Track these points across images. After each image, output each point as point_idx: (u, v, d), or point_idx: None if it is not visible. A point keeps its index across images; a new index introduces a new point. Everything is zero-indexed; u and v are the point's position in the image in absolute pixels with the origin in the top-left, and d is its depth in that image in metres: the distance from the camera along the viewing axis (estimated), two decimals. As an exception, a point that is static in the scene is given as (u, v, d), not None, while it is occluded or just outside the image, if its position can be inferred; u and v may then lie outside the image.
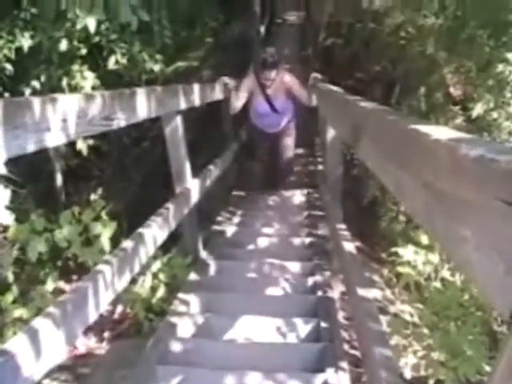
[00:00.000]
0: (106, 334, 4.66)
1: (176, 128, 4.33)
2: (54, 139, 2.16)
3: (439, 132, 1.27)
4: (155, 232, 3.38)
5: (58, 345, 2.09)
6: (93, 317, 2.43)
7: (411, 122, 1.52)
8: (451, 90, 8.83)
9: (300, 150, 7.97)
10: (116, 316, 4.74)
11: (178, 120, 4.34)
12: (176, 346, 3.63)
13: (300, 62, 12.20)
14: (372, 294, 2.53)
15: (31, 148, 1.97)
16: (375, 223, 7.26)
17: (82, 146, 6.40)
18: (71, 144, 7.57)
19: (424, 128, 1.36)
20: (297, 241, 5.74)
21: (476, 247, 0.96)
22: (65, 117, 2.21)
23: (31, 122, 1.96)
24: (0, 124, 1.76)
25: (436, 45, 7.43)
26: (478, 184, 0.96)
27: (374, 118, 2.18)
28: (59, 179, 8.12)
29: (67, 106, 2.25)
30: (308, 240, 5.73)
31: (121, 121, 2.92)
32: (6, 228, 3.91)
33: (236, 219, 6.69)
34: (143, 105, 3.31)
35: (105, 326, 4.70)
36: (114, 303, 4.73)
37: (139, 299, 4.39)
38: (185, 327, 3.94)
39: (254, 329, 3.90)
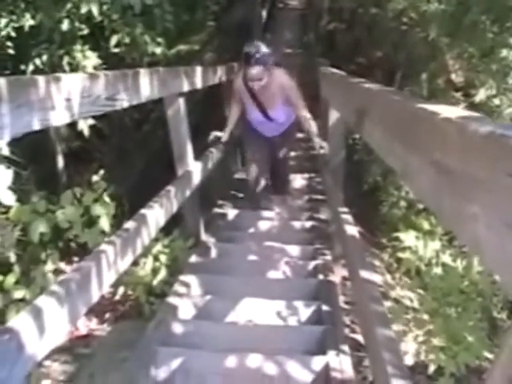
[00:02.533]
0: (108, 316, 4.67)
1: (178, 110, 4.34)
2: (59, 118, 2.16)
3: (447, 111, 1.27)
4: (157, 213, 3.39)
5: (61, 323, 2.10)
6: (96, 297, 2.44)
7: (418, 102, 1.52)
8: (453, 76, 8.82)
9: (300, 134, 7.57)
10: (117, 298, 4.74)
11: (181, 102, 4.35)
12: (177, 328, 3.64)
13: (302, 46, 12.19)
14: (374, 277, 2.52)
15: (36, 126, 1.97)
16: (376, 208, 7.26)
17: (83, 126, 6.36)
18: (72, 126, 7.58)
19: (432, 107, 1.36)
20: (297, 224, 5.74)
21: (486, 224, 0.96)
22: (69, 96, 2.21)
23: (36, 100, 1.97)
24: (5, 102, 1.76)
25: (438, 31, 7.39)
26: (488, 160, 0.96)
27: (379, 99, 2.19)
28: (60, 161, 8.10)
29: (71, 85, 2.25)
30: (309, 224, 5.73)
31: (124, 101, 2.93)
32: (7, 209, 3.90)
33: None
34: (146, 86, 3.32)
35: (106, 307, 4.71)
36: (116, 285, 4.73)
37: (141, 281, 4.40)
38: (186, 309, 3.96)
39: (255, 311, 3.92)
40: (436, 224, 5.07)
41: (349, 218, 3.39)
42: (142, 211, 3.25)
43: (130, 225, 3.02)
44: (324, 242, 5.14)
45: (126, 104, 2.96)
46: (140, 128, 9.80)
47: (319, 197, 6.54)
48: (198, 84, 4.94)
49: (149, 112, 9.67)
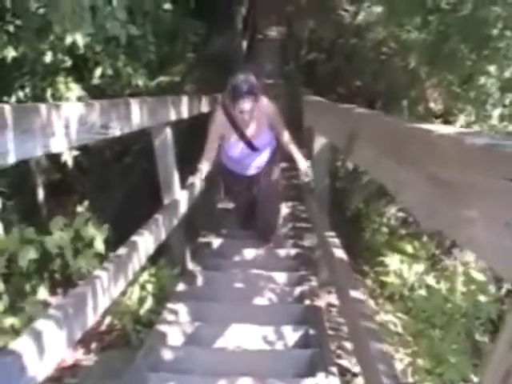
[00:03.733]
0: (94, 346, 4.67)
1: (165, 139, 4.39)
2: (58, 145, 2.21)
3: (441, 128, 1.36)
4: (147, 240, 3.42)
5: (59, 346, 2.13)
6: (91, 320, 2.47)
7: (411, 122, 1.61)
8: (432, 104, 8.98)
9: (284, 164, 7.59)
10: (103, 328, 4.74)
11: (168, 131, 4.41)
12: (167, 355, 3.68)
13: (283, 77, 12.30)
14: (363, 297, 2.58)
15: (38, 152, 2.02)
16: (358, 235, 7.33)
17: (67, 157, 6.38)
18: (52, 158, 7.60)
19: (426, 126, 1.45)
20: (282, 252, 5.78)
21: (484, 225, 1.04)
22: (67, 123, 2.27)
23: (38, 127, 2.02)
24: (10, 128, 1.81)
25: (419, 59, 7.55)
26: (485, 168, 1.04)
27: (370, 121, 2.28)
28: (41, 193, 8.12)
29: (70, 112, 2.31)
30: (293, 251, 5.79)
31: (116, 130, 2.98)
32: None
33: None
34: (137, 115, 3.39)
35: (92, 337, 4.70)
36: (102, 315, 4.74)
37: (127, 310, 4.41)
38: (175, 336, 4.00)
39: (243, 337, 3.96)
40: (419, 248, 5.15)
41: (336, 241, 3.44)
42: (133, 238, 3.29)
43: (121, 251, 3.06)
44: (309, 269, 5.20)
45: (118, 132, 3.02)
46: (121, 160, 9.82)
47: (303, 225, 6.61)
48: (185, 113, 4.99)
49: (129, 144, 9.72)
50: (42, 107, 2.09)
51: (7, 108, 1.82)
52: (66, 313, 2.21)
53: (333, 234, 3.68)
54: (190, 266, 5.25)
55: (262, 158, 5.38)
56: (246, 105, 4.63)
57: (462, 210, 1.15)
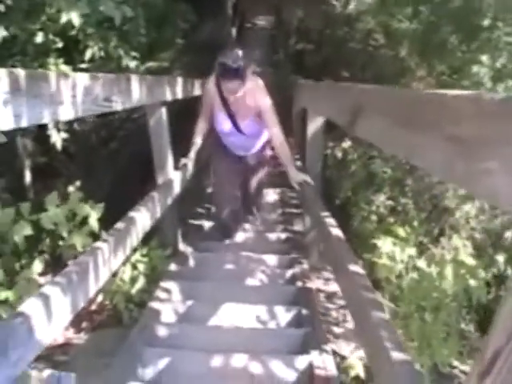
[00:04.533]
0: (84, 325, 4.67)
1: (160, 119, 4.40)
2: (65, 113, 2.23)
3: (453, 92, 1.39)
4: (144, 216, 3.45)
5: (64, 311, 2.16)
6: (93, 290, 2.50)
7: (422, 91, 1.65)
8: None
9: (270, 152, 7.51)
10: (94, 307, 4.75)
11: (163, 111, 4.42)
12: (161, 331, 3.71)
13: (272, 65, 12.31)
14: (362, 271, 2.61)
15: (47, 119, 2.04)
16: (347, 223, 7.35)
17: (56, 138, 6.33)
18: (38, 140, 7.59)
19: (438, 91, 1.48)
20: (273, 236, 5.82)
21: (503, 174, 1.08)
22: (74, 93, 2.29)
23: (47, 94, 2.04)
24: (23, 93, 1.83)
25: (409, 49, 7.59)
26: (503, 120, 1.07)
27: (379, 93, 2.31)
28: (28, 176, 8.10)
29: (76, 83, 2.32)
30: (284, 235, 5.82)
31: (118, 104, 3.00)
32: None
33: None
34: (137, 91, 3.41)
35: (82, 317, 4.71)
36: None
37: (119, 290, 4.42)
38: (168, 314, 4.03)
39: (236, 316, 3.99)
40: (410, 233, 5.18)
41: (332, 221, 3.46)
42: (131, 214, 3.31)
43: (119, 225, 3.09)
44: (300, 252, 5.22)
45: (119, 106, 3.04)
46: (107, 145, 9.81)
47: (293, 210, 6.65)
48: (179, 94, 5.00)
49: (115, 130, 9.72)
50: (52, 75, 2.11)
51: (21, 73, 1.84)
52: (70, 280, 2.23)
53: (328, 214, 3.69)
54: (182, 247, 5.26)
55: (250, 144, 5.27)
56: (231, 86, 4.46)
57: (480, 162, 1.18)
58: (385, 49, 8.98)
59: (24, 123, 1.85)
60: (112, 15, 4.94)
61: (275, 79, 10.31)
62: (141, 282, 4.50)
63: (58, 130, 6.19)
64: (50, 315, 2.00)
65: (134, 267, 4.60)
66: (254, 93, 4.76)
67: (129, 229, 3.13)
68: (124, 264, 4.49)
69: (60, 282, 2.18)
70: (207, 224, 6.21)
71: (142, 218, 3.40)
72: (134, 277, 4.54)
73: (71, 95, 2.25)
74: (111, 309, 4.66)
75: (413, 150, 1.67)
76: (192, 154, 5.06)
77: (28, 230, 3.72)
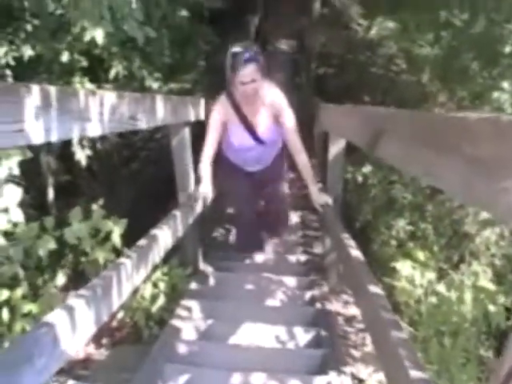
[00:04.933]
0: (105, 341, 4.71)
1: (183, 138, 4.49)
2: (93, 130, 2.29)
3: (474, 115, 1.43)
4: (166, 234, 3.49)
5: (88, 324, 2.20)
6: (116, 304, 2.54)
7: (443, 115, 1.70)
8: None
9: (292, 174, 7.63)
10: (114, 324, 4.79)
11: (186, 131, 4.49)
12: (182, 348, 3.74)
13: (294, 88, 12.37)
14: (381, 292, 2.62)
15: (76, 134, 2.10)
16: (367, 246, 7.35)
17: (81, 155, 6.42)
18: (62, 159, 7.69)
19: (462, 114, 1.52)
20: (293, 258, 5.84)
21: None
22: (102, 110, 2.35)
23: (77, 111, 2.10)
24: (54, 107, 1.88)
25: (431, 74, 7.62)
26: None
27: (401, 116, 2.36)
28: (51, 193, 8.19)
29: (103, 100, 2.38)
30: (304, 257, 5.84)
31: (143, 122, 3.06)
32: (14, 226, 3.93)
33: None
34: (161, 110, 3.47)
35: (103, 333, 4.75)
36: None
37: (140, 307, 4.46)
38: (189, 331, 4.06)
39: (255, 336, 4.00)
40: (430, 257, 5.19)
41: (352, 242, 3.48)
42: (153, 232, 3.35)
43: (142, 242, 3.13)
44: (319, 274, 5.24)
45: (144, 125, 3.10)
46: (128, 165, 9.90)
47: (312, 233, 6.67)
48: (202, 116, 5.07)
49: (138, 150, 9.81)
50: (81, 92, 2.17)
51: (52, 89, 1.90)
52: (94, 293, 2.27)
53: (348, 235, 3.71)
54: (202, 266, 5.30)
55: (267, 154, 5.00)
56: (247, 71, 4.15)
57: (499, 183, 1.21)
58: (406, 74, 9.03)
59: (54, 138, 1.90)
60: (135, 35, 5.01)
61: (297, 102, 10.37)
62: (161, 300, 4.54)
63: (83, 147, 6.27)
64: (75, 327, 2.04)
65: (155, 285, 4.64)
66: (270, 94, 4.60)
67: (151, 246, 3.18)
68: (145, 281, 4.54)
69: (84, 294, 2.22)
70: (228, 244, 6.25)
71: (164, 236, 3.44)
72: (154, 295, 4.58)
73: (98, 112, 2.31)
74: (132, 326, 4.70)
75: (433, 171, 1.71)
76: (206, 187, 4.48)
77: (52, 245, 3.78)
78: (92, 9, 4.53)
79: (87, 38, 4.79)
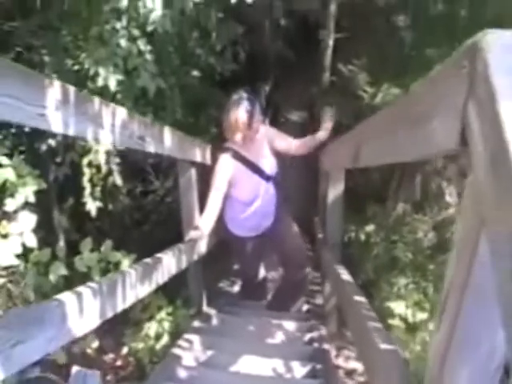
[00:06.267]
0: (109, 378, 4.81)
1: (190, 178, 4.70)
2: (105, 137, 2.53)
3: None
4: (170, 261, 3.68)
5: (93, 313, 2.38)
6: (120, 306, 2.72)
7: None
8: (445, 184, 9.18)
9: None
10: (119, 363, 4.91)
11: (193, 171, 4.72)
12: (182, 373, 3.86)
13: (303, 158, 12.55)
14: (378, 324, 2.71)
15: (90, 136, 2.33)
16: (368, 303, 7.42)
17: (91, 206, 6.58)
18: (73, 218, 7.88)
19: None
20: (294, 307, 5.96)
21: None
22: (114, 122, 2.58)
23: (92, 115, 2.33)
24: (72, 106, 2.12)
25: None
26: None
27: (372, 123, 2.60)
28: (62, 251, 8.32)
29: (115, 114, 2.61)
30: (305, 307, 5.98)
31: (151, 146, 3.28)
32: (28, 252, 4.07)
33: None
34: (168, 140, 3.70)
35: (107, 371, 4.86)
36: (117, 349, 4.93)
37: (144, 345, 4.59)
38: (189, 359, 4.19)
39: (254, 367, 4.11)
40: (424, 300, 5.29)
41: (349, 278, 3.65)
42: (158, 255, 3.55)
43: (148, 261, 3.33)
44: (319, 320, 5.34)
45: (152, 149, 3.32)
46: (139, 228, 10.06)
47: (315, 287, 6.79)
48: (208, 161, 5.28)
49: (148, 213, 9.99)
50: (96, 100, 2.41)
51: (71, 88, 2.14)
52: (100, 288, 2.47)
53: (344, 270, 3.88)
54: (206, 308, 5.43)
55: (272, 200, 4.99)
56: (241, 112, 4.39)
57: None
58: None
59: (71, 132, 2.12)
60: (147, 86, 5.22)
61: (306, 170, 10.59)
62: (165, 339, 4.66)
63: (94, 199, 6.44)
64: (81, 310, 2.23)
65: (159, 323, 4.77)
66: (265, 131, 4.87)
67: (156, 266, 3.38)
68: (150, 320, 4.69)
69: (92, 287, 2.41)
70: (232, 293, 6.40)
71: (168, 261, 3.63)
72: (158, 334, 4.70)
73: (111, 123, 2.53)
74: (135, 364, 4.82)
75: (397, 150, 1.93)
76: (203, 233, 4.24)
77: (62, 271, 3.94)
78: (106, 58, 4.78)
79: (100, 83, 4.97)
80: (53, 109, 1.96)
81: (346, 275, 3.79)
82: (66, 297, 2.16)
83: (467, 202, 1.30)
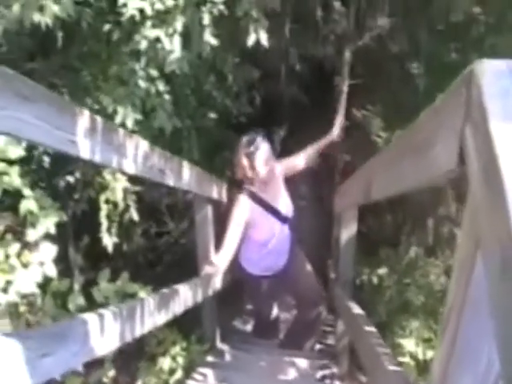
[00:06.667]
0: (122, 413, 4.87)
1: (206, 215, 4.81)
2: (128, 167, 2.65)
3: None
4: (187, 293, 3.78)
5: (113, 335, 2.48)
6: (138, 331, 2.82)
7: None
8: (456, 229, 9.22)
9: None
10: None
11: (209, 208, 4.83)
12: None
13: (316, 200, 12.63)
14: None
15: (114, 164, 2.46)
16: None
17: (108, 242, 6.64)
18: (87, 257, 7.97)
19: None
20: (306, 346, 6.01)
21: None
22: (136, 153, 2.71)
23: (116, 145, 2.46)
24: (99, 134, 2.25)
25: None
26: None
27: (381, 157, 2.72)
28: (77, 287, 8.40)
29: (138, 145, 2.75)
30: (317, 346, 6.03)
31: (170, 179, 3.40)
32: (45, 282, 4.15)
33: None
34: (187, 174, 3.82)
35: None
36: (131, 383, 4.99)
37: (158, 380, 4.65)
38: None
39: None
40: (435, 338, 5.33)
41: (360, 312, 3.74)
42: (175, 286, 3.65)
43: (165, 291, 3.43)
44: (331, 359, 5.39)
45: (171, 182, 3.44)
46: (153, 268, 10.10)
47: (327, 328, 6.83)
48: (224, 198, 5.38)
49: (161, 253, 10.05)
50: (120, 131, 2.54)
51: (99, 119, 2.27)
52: (121, 312, 2.57)
53: (355, 305, 3.96)
54: (219, 344, 5.50)
55: (286, 239, 5.06)
56: (261, 154, 4.51)
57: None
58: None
59: (97, 159, 2.25)
60: (163, 125, 5.31)
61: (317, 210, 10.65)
62: (179, 374, 4.72)
63: (110, 234, 6.50)
64: (102, 330, 2.33)
65: (173, 359, 4.83)
66: (281, 168, 5.00)
67: (173, 296, 3.48)
68: (164, 355, 4.76)
69: (112, 310, 2.51)
70: (245, 331, 6.48)
71: (185, 293, 3.73)
72: (172, 368, 4.76)
73: (134, 153, 2.66)
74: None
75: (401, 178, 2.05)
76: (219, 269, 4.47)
77: (80, 301, 4.03)
78: (125, 97, 4.91)
79: (118, 120, 5.05)
80: (82, 136, 2.09)
81: (357, 309, 3.87)
82: (89, 317, 2.27)
83: (465, 224, 1.41)
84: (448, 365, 1.47)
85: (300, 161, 5.23)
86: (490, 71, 1.18)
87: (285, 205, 4.93)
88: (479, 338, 1.37)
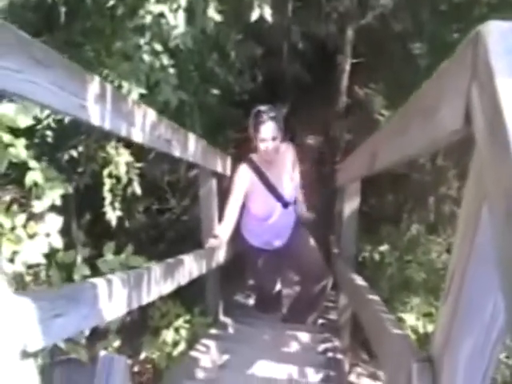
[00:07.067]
0: (126, 383, 4.91)
1: (210, 188, 4.84)
2: (136, 135, 2.68)
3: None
4: (192, 263, 3.82)
5: (121, 301, 2.52)
6: (145, 299, 2.86)
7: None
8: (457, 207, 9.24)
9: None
10: (136, 369, 5.01)
11: (213, 182, 4.86)
12: (200, 374, 4.00)
13: (319, 180, 12.65)
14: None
15: (123, 132, 2.48)
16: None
17: (111, 216, 6.64)
18: (91, 235, 7.99)
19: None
20: (309, 320, 6.06)
21: None
22: (144, 122, 2.73)
23: (125, 112, 2.48)
24: (109, 102, 2.27)
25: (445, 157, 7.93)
26: None
27: (386, 129, 2.76)
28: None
29: (146, 114, 2.77)
30: (320, 321, 6.07)
31: (176, 150, 3.43)
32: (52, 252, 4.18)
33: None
34: (192, 146, 3.84)
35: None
36: (135, 356, 5.04)
37: (162, 352, 4.69)
38: (207, 362, 4.31)
39: (269, 371, 4.22)
40: (435, 313, 5.38)
41: (363, 283, 3.78)
42: (180, 256, 3.69)
43: (170, 260, 3.47)
44: (333, 333, 5.43)
45: (177, 153, 3.47)
46: (156, 245, 10.13)
47: (330, 304, 6.88)
48: (228, 172, 5.40)
49: (164, 230, 10.08)
50: (129, 100, 2.57)
51: (108, 86, 2.30)
52: (128, 279, 2.61)
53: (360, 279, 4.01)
54: (222, 318, 5.57)
55: (287, 221, 5.07)
56: (269, 128, 4.40)
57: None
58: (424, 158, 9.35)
59: (107, 126, 2.28)
60: (168, 99, 5.29)
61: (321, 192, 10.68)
62: (182, 346, 4.76)
63: (114, 209, 6.51)
64: (111, 295, 2.37)
65: (177, 331, 4.87)
66: (288, 155, 4.94)
67: (178, 266, 3.51)
68: (167, 327, 4.80)
69: (120, 276, 2.55)
70: (248, 305, 6.57)
71: (189, 263, 3.77)
72: (176, 341, 4.81)
73: (141, 123, 2.69)
74: (152, 371, 4.92)
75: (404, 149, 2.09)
76: (222, 240, 4.61)
77: (86, 271, 4.06)
78: (129, 72, 4.92)
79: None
80: (92, 102, 2.12)
81: (360, 281, 3.91)
82: (98, 281, 2.30)
83: (470, 181, 1.44)
84: (453, 319, 1.50)
85: (295, 177, 5.11)
86: (496, 31, 1.21)
87: (289, 189, 4.89)
88: (483, 293, 1.41)
